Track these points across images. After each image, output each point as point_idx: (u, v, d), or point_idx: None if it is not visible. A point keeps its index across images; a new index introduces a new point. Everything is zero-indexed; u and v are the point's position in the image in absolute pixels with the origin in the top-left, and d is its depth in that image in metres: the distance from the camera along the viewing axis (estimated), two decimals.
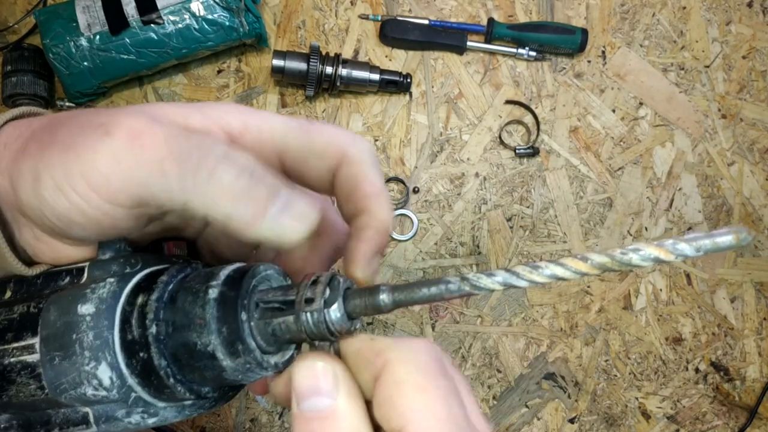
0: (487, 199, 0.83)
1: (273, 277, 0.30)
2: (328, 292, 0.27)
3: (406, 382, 0.25)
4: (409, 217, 0.81)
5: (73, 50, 0.72)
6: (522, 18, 0.86)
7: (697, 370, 0.83)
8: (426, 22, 0.84)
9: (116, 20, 0.72)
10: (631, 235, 0.84)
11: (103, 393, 0.28)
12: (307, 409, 0.25)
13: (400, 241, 0.81)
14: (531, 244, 0.82)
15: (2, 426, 0.31)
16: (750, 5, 0.90)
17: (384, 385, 0.25)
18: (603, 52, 0.87)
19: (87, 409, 0.29)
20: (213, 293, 0.27)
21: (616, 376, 0.82)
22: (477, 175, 0.83)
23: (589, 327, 0.82)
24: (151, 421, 0.29)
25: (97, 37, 0.73)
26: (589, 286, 0.83)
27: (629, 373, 0.82)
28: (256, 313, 0.27)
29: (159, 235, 0.33)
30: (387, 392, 0.25)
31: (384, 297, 0.27)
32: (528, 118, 0.84)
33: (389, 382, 0.25)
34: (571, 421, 0.81)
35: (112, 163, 0.26)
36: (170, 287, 0.29)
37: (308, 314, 0.27)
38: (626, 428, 0.82)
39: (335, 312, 0.27)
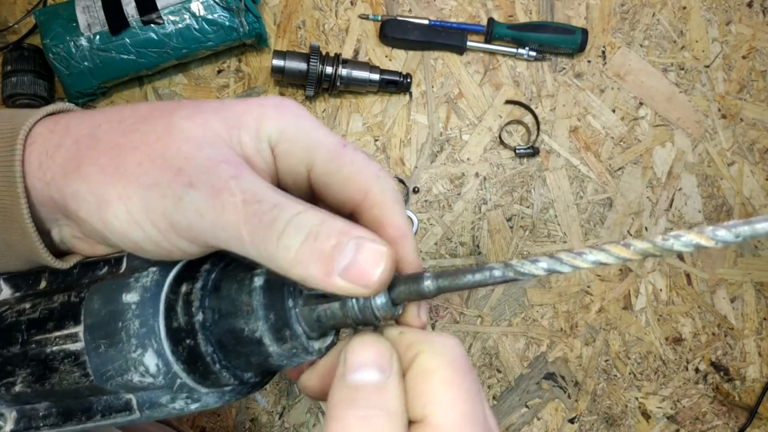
0: (487, 199, 0.83)
1: None
2: None
3: (435, 373, 0.25)
4: (409, 217, 0.81)
5: (73, 50, 0.72)
6: (522, 18, 0.86)
7: (697, 370, 0.83)
8: (426, 22, 0.84)
9: (116, 20, 0.72)
10: (631, 235, 0.84)
11: (149, 380, 0.28)
12: (356, 380, 0.26)
13: None
14: (531, 244, 0.82)
15: (41, 414, 0.31)
16: (750, 5, 0.90)
17: (412, 374, 0.25)
18: (603, 52, 0.87)
19: (130, 396, 0.29)
20: (258, 281, 0.28)
21: (616, 376, 0.82)
22: (477, 175, 0.83)
23: (589, 327, 0.82)
24: (193, 406, 0.30)
25: (97, 37, 0.73)
26: (589, 286, 0.83)
27: (629, 373, 0.82)
28: (301, 299, 0.28)
29: None
30: (414, 381, 0.25)
31: (429, 283, 0.27)
32: (528, 118, 0.84)
33: (418, 371, 0.25)
34: (571, 421, 0.81)
35: (196, 216, 0.27)
36: (213, 276, 0.29)
37: (354, 300, 0.27)
38: (626, 428, 0.82)
39: (380, 298, 0.27)
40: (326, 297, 0.28)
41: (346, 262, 0.26)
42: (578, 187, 0.84)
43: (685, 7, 0.89)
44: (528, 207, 0.83)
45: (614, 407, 0.82)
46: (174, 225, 0.27)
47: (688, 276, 0.84)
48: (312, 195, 0.32)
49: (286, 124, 0.30)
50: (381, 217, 0.30)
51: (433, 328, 0.80)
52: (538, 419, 0.81)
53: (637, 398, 0.82)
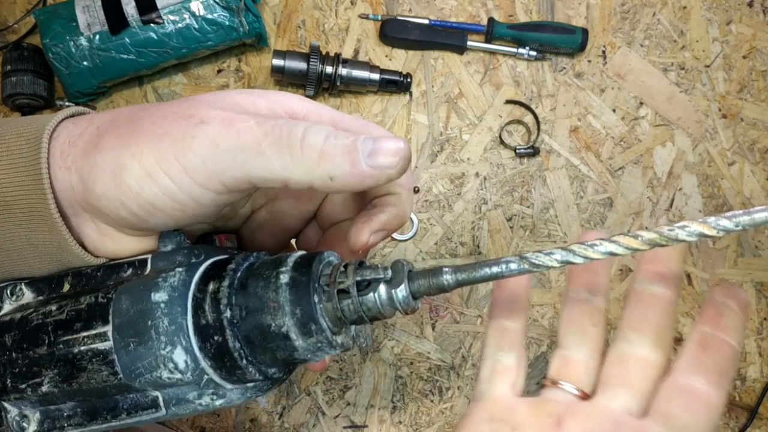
0: (487, 199, 0.83)
1: (334, 263, 0.31)
2: (390, 274, 0.29)
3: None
4: (409, 216, 0.81)
5: (73, 50, 0.72)
6: (522, 17, 0.86)
7: None
8: (426, 21, 0.84)
9: (116, 20, 0.72)
10: None
11: (178, 376, 0.29)
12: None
13: (400, 241, 0.81)
14: (531, 244, 0.82)
15: (66, 414, 0.32)
16: (750, 5, 0.90)
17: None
18: (603, 51, 0.87)
19: (156, 393, 0.30)
20: (284, 278, 0.29)
21: None
22: (477, 174, 0.83)
23: None
24: (219, 402, 0.31)
25: (97, 36, 0.72)
26: None
27: None
28: (324, 296, 0.29)
29: (208, 227, 0.35)
30: None
31: (448, 277, 0.29)
32: (528, 118, 0.84)
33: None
34: None
35: (210, 146, 0.28)
36: (239, 274, 0.30)
37: (376, 294, 0.29)
38: None
39: (401, 292, 0.29)
40: (347, 292, 0.29)
41: (369, 148, 0.28)
42: (578, 187, 0.84)
43: (685, 7, 0.89)
44: (528, 207, 0.83)
45: None
46: (187, 167, 0.28)
47: (688, 276, 0.84)
48: None
49: (306, 104, 0.32)
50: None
51: (433, 328, 0.80)
52: None
53: None
